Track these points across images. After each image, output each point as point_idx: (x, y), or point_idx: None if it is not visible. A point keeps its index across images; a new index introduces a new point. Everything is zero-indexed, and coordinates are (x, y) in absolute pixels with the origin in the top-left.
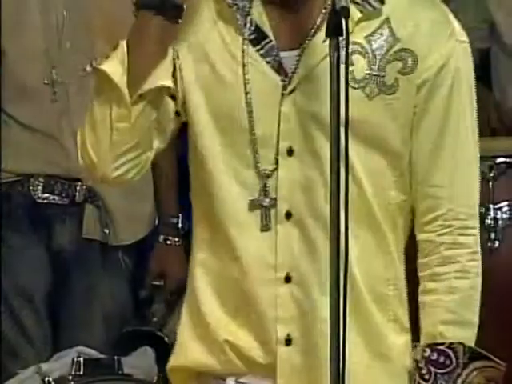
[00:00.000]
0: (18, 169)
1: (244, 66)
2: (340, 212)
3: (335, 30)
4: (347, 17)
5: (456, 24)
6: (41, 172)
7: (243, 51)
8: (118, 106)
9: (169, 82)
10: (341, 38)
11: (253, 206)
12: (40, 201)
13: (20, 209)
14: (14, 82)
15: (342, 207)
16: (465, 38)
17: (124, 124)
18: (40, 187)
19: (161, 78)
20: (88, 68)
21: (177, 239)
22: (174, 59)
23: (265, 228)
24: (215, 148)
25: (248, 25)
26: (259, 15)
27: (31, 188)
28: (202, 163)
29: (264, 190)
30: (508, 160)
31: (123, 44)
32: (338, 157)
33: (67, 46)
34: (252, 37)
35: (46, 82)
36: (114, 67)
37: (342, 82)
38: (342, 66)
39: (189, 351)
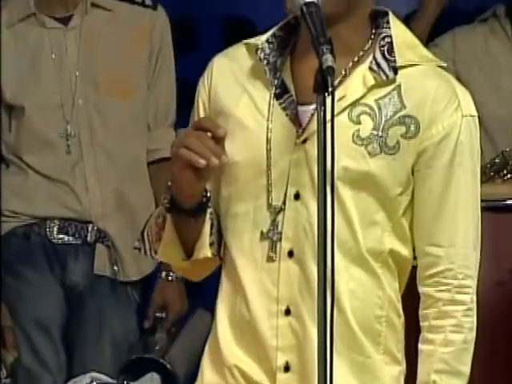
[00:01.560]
0: (35, 212)
1: (268, 117)
2: (327, 248)
3: (321, 88)
4: (332, 75)
5: (464, 98)
6: (56, 215)
7: (269, 105)
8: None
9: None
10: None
11: (262, 238)
12: (55, 241)
13: (37, 248)
14: (32, 134)
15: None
16: (472, 111)
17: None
18: (55, 229)
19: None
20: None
21: (177, 275)
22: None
23: (270, 260)
24: (234, 187)
25: (276, 80)
26: (286, 71)
27: (47, 229)
28: (223, 202)
29: (273, 225)
30: None
31: (168, 221)
32: (325, 203)
33: (80, 102)
34: (277, 91)
35: (60, 135)
36: (165, 249)
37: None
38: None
39: (205, 376)
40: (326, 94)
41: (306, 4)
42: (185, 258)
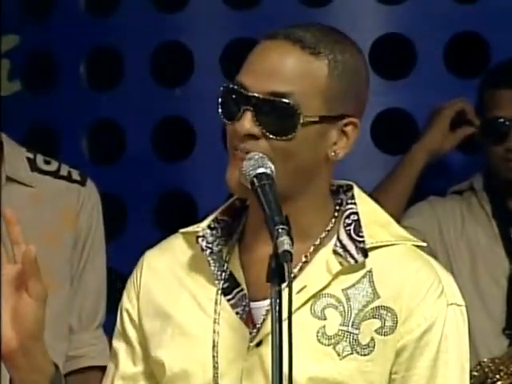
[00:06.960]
0: None
1: (214, 318)
2: None
3: (276, 277)
4: (289, 261)
5: (448, 283)
6: None
7: (216, 303)
8: None
9: None
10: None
11: None
12: None
13: None
14: None
15: None
16: (458, 300)
17: None
18: None
19: None
20: None
21: None
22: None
23: None
24: None
25: (222, 273)
26: (234, 261)
27: None
28: None
29: None
30: None
31: None
32: None
33: None
34: (225, 286)
35: None
36: None
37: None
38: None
39: None
40: (283, 284)
41: (258, 176)
42: None
